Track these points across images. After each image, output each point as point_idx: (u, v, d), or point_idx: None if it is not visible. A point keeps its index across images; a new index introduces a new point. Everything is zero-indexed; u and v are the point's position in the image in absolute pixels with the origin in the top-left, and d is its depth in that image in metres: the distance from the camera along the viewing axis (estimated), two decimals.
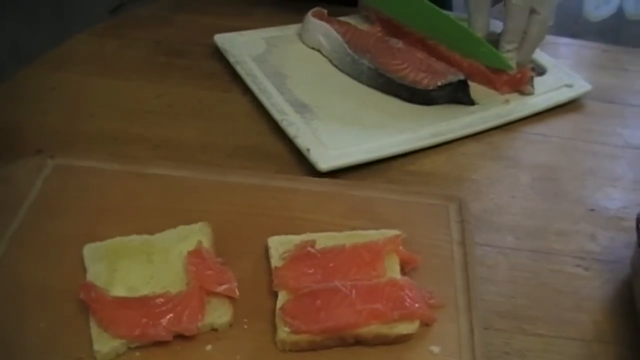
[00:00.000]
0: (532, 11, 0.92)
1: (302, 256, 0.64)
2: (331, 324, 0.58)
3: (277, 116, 0.84)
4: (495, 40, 0.94)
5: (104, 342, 0.57)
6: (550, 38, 0.97)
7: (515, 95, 0.93)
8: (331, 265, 0.63)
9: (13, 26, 1.85)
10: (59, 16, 1.85)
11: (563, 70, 0.99)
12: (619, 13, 2.00)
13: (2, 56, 1.72)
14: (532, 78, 0.94)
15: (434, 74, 0.89)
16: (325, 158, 0.78)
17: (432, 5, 0.94)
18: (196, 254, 0.63)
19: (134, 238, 0.66)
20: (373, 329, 0.59)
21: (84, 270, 0.63)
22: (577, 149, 0.88)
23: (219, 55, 0.96)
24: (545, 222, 0.76)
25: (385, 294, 0.60)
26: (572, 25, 2.01)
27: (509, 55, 0.93)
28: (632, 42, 2.02)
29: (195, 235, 0.65)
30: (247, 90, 0.89)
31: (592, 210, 0.79)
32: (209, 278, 0.61)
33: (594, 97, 0.97)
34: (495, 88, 0.93)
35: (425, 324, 0.61)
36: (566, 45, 1.13)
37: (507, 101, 0.92)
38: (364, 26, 1.01)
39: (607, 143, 0.90)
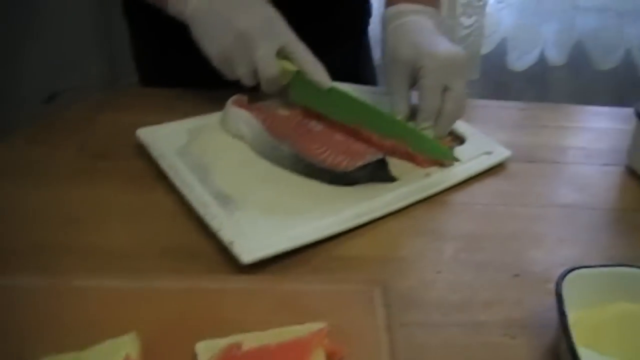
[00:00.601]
0: (446, 88, 0.94)
1: None
2: None
3: (201, 210, 0.84)
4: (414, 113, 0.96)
5: None
6: (468, 101, 0.99)
7: (436, 167, 0.95)
8: None
9: None
10: None
11: (482, 138, 1.02)
12: (542, 60, 2.05)
13: None
14: (452, 149, 0.96)
15: (353, 155, 0.91)
16: (248, 250, 0.77)
17: (353, 96, 0.96)
18: None
19: (63, 357, 0.65)
20: None
21: None
22: (499, 214, 0.90)
23: (142, 152, 0.96)
24: (471, 294, 0.77)
25: None
26: (499, 75, 2.06)
27: (427, 133, 0.94)
28: (558, 86, 2.08)
29: (124, 348, 0.65)
30: (171, 187, 0.89)
31: (517, 275, 0.80)
32: None
33: (514, 158, 0.99)
34: (416, 163, 0.95)
35: None
36: (483, 108, 1.16)
37: (427, 175, 0.93)
38: (286, 109, 1.02)
39: (529, 204, 0.92)
